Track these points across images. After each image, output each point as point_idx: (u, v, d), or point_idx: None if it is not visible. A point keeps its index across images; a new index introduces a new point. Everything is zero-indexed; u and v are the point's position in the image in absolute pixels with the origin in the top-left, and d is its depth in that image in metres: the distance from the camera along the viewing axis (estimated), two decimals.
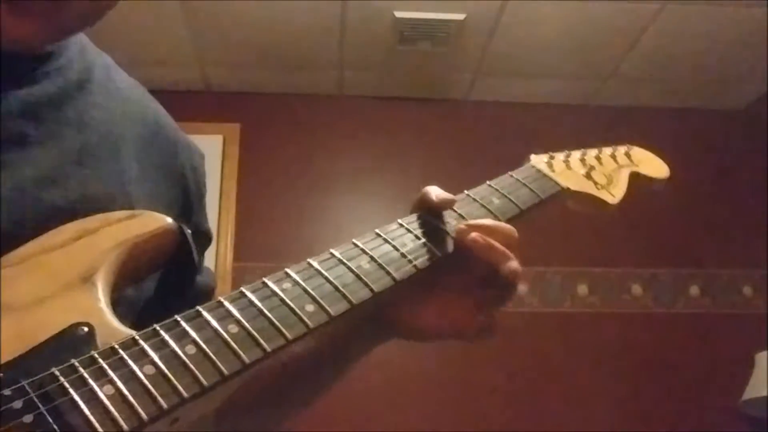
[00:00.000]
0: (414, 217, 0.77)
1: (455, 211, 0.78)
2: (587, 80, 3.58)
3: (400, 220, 0.76)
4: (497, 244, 0.72)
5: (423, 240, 0.74)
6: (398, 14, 3.08)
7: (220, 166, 3.43)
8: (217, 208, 3.33)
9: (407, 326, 0.76)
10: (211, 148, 3.31)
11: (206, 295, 0.82)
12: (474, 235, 0.72)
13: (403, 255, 0.71)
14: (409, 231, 0.74)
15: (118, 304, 0.63)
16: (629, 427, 3.14)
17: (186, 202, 0.83)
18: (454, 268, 0.75)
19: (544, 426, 3.14)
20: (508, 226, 0.75)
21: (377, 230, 0.73)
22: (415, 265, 0.71)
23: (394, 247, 0.72)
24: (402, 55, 3.35)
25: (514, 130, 3.57)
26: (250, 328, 0.58)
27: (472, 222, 0.74)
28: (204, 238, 0.86)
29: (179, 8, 3.02)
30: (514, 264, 0.71)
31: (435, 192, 0.76)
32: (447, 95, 3.68)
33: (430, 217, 0.76)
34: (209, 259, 0.89)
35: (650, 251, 3.49)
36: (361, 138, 3.59)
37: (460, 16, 3.09)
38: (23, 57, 0.68)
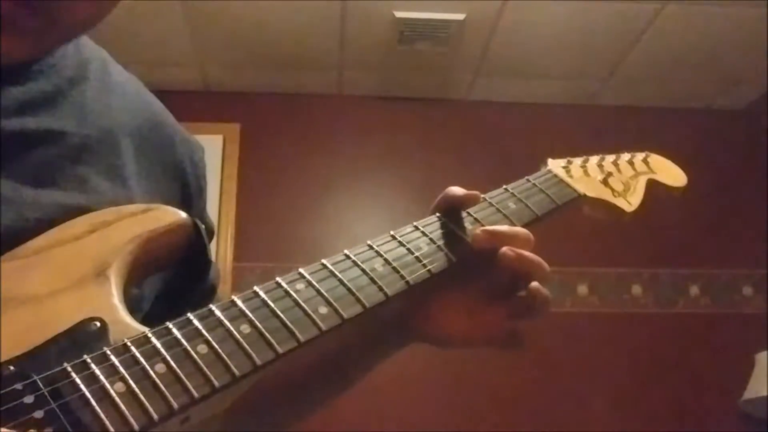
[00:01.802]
0: (430, 219, 0.76)
1: (471, 215, 0.77)
2: (587, 80, 3.58)
3: (415, 223, 0.75)
4: (528, 255, 0.71)
5: (438, 244, 0.73)
6: (398, 14, 3.08)
7: (220, 166, 3.43)
8: (217, 208, 3.33)
9: (434, 332, 0.75)
10: (211, 148, 3.31)
11: (210, 291, 0.82)
12: (505, 249, 0.71)
13: (417, 259, 0.70)
14: (424, 234, 0.74)
15: (128, 300, 0.62)
16: (629, 427, 3.15)
17: (185, 197, 0.82)
18: (480, 274, 0.74)
19: (544, 426, 3.14)
20: (524, 231, 0.74)
21: (392, 232, 0.73)
22: (429, 270, 0.70)
23: (408, 250, 0.71)
24: (402, 55, 3.35)
25: (514, 130, 3.57)
26: (263, 330, 0.58)
27: (488, 228, 0.74)
28: (206, 232, 0.86)
29: (179, 8, 3.02)
30: (536, 284, 0.71)
31: (460, 189, 0.76)
32: (447, 95, 3.68)
33: (447, 220, 0.76)
34: None
35: (650, 251, 3.49)
36: (361, 138, 3.59)
37: (460, 16, 3.09)
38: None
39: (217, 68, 3.48)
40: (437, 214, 0.77)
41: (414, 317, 0.75)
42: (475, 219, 0.77)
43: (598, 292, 3.45)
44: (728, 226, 3.54)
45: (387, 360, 0.80)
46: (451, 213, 0.77)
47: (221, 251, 3.29)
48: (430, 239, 0.73)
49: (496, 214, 0.78)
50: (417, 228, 0.74)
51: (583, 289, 3.44)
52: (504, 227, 0.74)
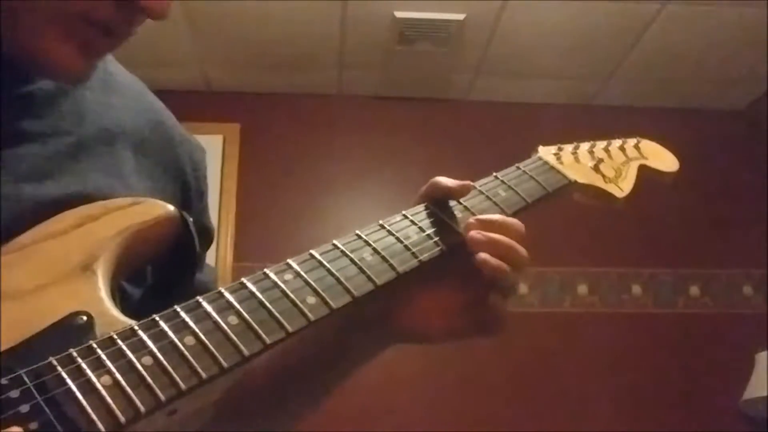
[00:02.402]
0: (419, 208, 0.75)
1: (461, 203, 0.76)
2: (587, 80, 3.57)
3: (404, 212, 0.74)
4: (497, 237, 0.70)
5: (427, 233, 0.72)
6: (398, 14, 3.08)
7: (220, 166, 3.43)
8: (217, 208, 3.32)
9: (416, 330, 0.74)
10: (211, 148, 3.31)
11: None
12: (473, 233, 0.70)
13: (406, 248, 0.70)
14: (413, 223, 0.73)
15: (116, 295, 0.62)
16: (629, 427, 3.14)
17: (185, 198, 0.82)
18: (458, 265, 0.72)
19: (544, 426, 3.13)
20: (515, 221, 0.73)
21: (381, 221, 0.72)
22: (419, 259, 0.69)
23: (397, 239, 0.70)
24: (402, 55, 3.35)
25: (514, 130, 3.56)
26: (251, 320, 0.58)
27: (481, 217, 0.73)
28: (205, 235, 0.84)
29: (179, 8, 3.02)
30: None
31: (449, 180, 0.75)
32: (447, 95, 3.68)
33: (436, 209, 0.75)
34: (209, 259, 0.87)
35: (650, 251, 3.48)
36: (361, 138, 3.59)
37: (460, 16, 3.09)
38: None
39: (217, 68, 3.48)
40: (425, 203, 0.76)
41: (394, 314, 0.74)
42: (465, 207, 0.76)
43: (598, 292, 3.44)
44: (728, 226, 3.53)
45: (366, 364, 0.78)
46: (439, 202, 0.75)
47: (221, 251, 3.28)
48: (419, 228, 0.72)
49: (486, 202, 0.78)
50: (406, 217, 0.74)
51: (583, 289, 3.43)
52: (495, 216, 0.73)
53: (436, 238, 0.72)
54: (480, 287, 0.71)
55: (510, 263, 0.69)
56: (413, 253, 0.70)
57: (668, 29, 3.16)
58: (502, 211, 0.77)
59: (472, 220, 0.72)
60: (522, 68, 3.48)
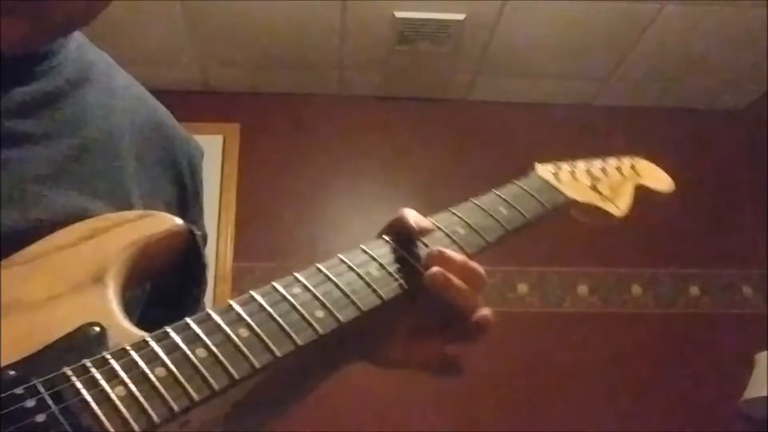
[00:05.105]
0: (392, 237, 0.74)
1: (443, 230, 0.75)
2: (587, 80, 3.58)
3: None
4: (457, 283, 0.68)
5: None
6: (398, 14, 3.08)
7: (220, 166, 3.42)
8: (217, 208, 3.32)
9: (374, 351, 0.73)
10: (211, 148, 3.31)
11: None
12: (435, 270, 0.68)
13: (411, 263, 0.71)
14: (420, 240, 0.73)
15: (125, 304, 0.63)
16: (629, 427, 3.15)
17: (182, 199, 0.83)
18: (422, 300, 0.71)
19: (544, 426, 3.14)
20: (474, 265, 0.71)
21: (385, 237, 0.73)
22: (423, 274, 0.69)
23: (402, 255, 0.71)
24: (402, 55, 3.35)
25: (514, 130, 3.57)
26: (261, 333, 0.59)
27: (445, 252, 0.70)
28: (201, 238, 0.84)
29: (179, 8, 3.02)
30: (481, 311, 0.68)
31: (413, 217, 0.73)
32: (447, 95, 3.68)
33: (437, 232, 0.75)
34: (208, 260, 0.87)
35: (650, 251, 3.49)
36: (361, 138, 3.59)
37: (460, 16, 3.09)
38: (20, 56, 0.68)
39: (217, 68, 3.48)
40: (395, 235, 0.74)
41: (369, 332, 0.72)
42: (466, 225, 0.76)
43: (598, 292, 3.44)
44: (728, 226, 3.54)
45: (323, 381, 0.77)
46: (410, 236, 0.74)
47: (221, 251, 3.28)
48: (424, 244, 0.73)
49: (488, 220, 0.78)
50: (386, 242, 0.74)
51: (583, 289, 3.43)
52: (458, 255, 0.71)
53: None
54: (441, 323, 0.71)
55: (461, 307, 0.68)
56: (419, 270, 0.70)
57: (668, 29, 3.16)
58: (505, 229, 0.78)
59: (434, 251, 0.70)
60: (522, 68, 3.48)
